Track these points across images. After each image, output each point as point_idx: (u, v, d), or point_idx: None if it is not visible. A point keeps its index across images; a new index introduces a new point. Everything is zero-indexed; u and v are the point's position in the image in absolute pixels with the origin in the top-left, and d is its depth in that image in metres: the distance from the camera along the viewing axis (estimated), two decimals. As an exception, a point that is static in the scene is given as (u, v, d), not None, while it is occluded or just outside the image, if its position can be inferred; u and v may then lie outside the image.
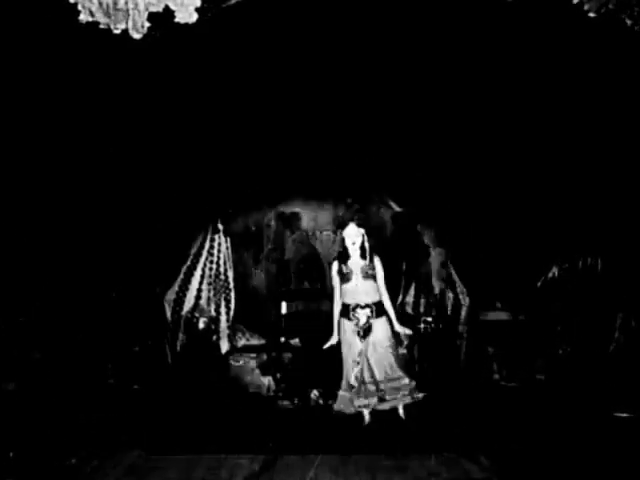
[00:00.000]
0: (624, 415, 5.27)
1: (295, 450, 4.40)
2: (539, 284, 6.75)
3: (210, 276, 6.69)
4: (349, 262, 5.00)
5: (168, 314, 6.43)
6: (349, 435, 4.72)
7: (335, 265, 5.07)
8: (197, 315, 6.52)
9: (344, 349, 4.95)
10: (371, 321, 4.90)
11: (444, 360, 6.38)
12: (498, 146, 6.40)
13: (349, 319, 4.93)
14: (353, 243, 5.00)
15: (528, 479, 3.97)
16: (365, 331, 4.88)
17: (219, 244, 6.70)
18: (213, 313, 6.65)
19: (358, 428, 4.89)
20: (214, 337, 6.55)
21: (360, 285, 4.96)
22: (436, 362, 6.36)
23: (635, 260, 6.26)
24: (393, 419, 5.04)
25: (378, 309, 4.93)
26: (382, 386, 4.85)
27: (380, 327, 4.92)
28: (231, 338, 6.73)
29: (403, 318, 6.75)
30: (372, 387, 4.86)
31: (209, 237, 6.63)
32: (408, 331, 5.13)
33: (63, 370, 6.07)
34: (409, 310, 6.72)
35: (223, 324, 6.70)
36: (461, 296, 6.47)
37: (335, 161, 6.45)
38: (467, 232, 6.77)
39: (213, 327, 6.58)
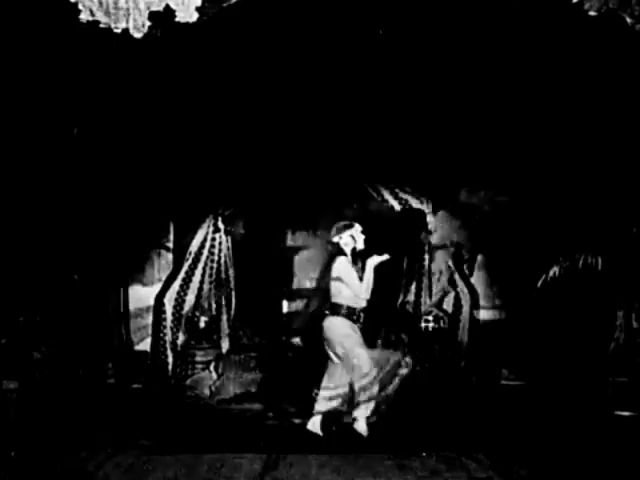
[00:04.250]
0: (625, 414, 5.27)
1: (297, 449, 4.40)
2: (539, 283, 6.74)
3: (211, 275, 6.69)
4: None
5: (169, 313, 6.42)
6: (350, 434, 4.73)
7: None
8: (198, 314, 6.52)
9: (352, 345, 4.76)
10: None
11: (445, 359, 6.38)
12: (499, 146, 6.39)
13: (352, 321, 4.87)
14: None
15: (529, 478, 3.97)
16: None
17: (220, 243, 6.70)
18: (214, 312, 6.65)
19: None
20: (215, 336, 6.56)
21: None
22: (437, 361, 6.37)
23: (636, 259, 6.25)
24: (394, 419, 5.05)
25: None
26: None
27: None
28: (232, 337, 6.74)
29: (404, 317, 6.83)
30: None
31: (210, 236, 6.62)
32: None
33: (64, 370, 6.07)
34: (410, 309, 6.72)
35: (224, 323, 6.70)
36: (462, 295, 6.46)
37: (337, 158, 6.43)
38: (468, 231, 6.77)
39: (214, 326, 6.59)
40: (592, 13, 3.91)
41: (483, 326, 6.59)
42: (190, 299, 6.54)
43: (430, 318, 6.51)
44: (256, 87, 5.69)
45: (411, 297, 6.80)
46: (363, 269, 4.87)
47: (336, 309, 4.88)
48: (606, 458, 4.23)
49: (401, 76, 5.60)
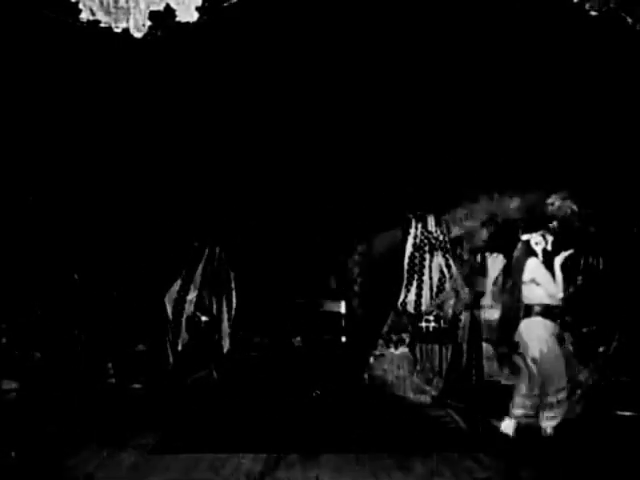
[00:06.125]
0: (627, 414, 5.26)
1: (297, 449, 4.40)
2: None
3: (212, 275, 6.68)
4: None
5: (170, 313, 6.41)
6: (351, 434, 4.72)
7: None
8: (199, 314, 6.52)
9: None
10: None
11: (446, 359, 6.38)
12: (498, 146, 6.39)
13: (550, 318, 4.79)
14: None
15: (529, 478, 3.96)
16: None
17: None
18: (215, 312, 6.65)
19: (360, 427, 4.90)
20: (215, 336, 6.56)
21: None
22: (438, 361, 6.37)
23: (637, 259, 6.25)
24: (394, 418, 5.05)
25: None
26: None
27: None
28: (232, 337, 6.74)
29: (403, 317, 6.81)
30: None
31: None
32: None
33: (64, 370, 6.07)
34: (410, 309, 6.70)
35: (224, 323, 6.70)
36: (463, 295, 6.45)
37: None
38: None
39: (215, 326, 6.59)
40: (593, 13, 3.92)
41: (484, 325, 6.58)
42: (191, 299, 6.54)
43: (431, 318, 6.51)
44: (256, 86, 5.68)
45: (412, 297, 6.77)
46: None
47: (532, 310, 4.80)
48: (607, 458, 4.22)
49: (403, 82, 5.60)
